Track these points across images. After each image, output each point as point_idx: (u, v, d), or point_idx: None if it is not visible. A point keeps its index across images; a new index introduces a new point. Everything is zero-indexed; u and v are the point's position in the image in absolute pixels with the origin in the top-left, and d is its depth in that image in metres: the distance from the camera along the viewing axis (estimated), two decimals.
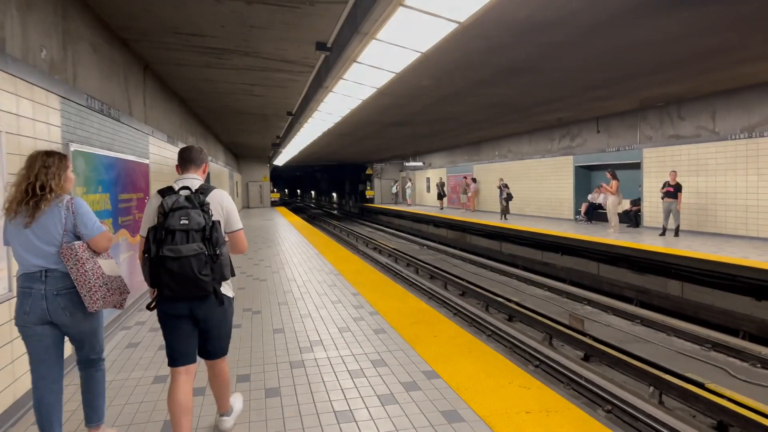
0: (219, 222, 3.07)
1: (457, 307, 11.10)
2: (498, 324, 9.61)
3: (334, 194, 68.55)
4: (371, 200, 41.87)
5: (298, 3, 5.80)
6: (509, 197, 19.87)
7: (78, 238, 3.16)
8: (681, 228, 13.15)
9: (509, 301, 10.85)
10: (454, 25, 5.42)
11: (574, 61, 8.71)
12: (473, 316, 10.27)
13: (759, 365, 7.55)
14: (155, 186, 8.49)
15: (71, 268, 3.06)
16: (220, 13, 6.22)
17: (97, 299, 3.11)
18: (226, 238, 3.20)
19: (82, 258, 3.08)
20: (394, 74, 8.12)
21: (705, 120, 13.27)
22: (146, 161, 8.00)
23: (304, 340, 5.36)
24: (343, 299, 7.16)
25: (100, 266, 3.16)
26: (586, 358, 8.09)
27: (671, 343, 8.81)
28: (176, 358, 3.12)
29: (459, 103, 12.75)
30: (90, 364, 3.35)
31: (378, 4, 4.95)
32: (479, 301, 11.68)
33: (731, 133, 12.49)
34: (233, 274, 3.22)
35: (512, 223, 18.02)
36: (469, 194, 25.46)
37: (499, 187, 20.12)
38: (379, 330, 5.59)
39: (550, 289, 12.96)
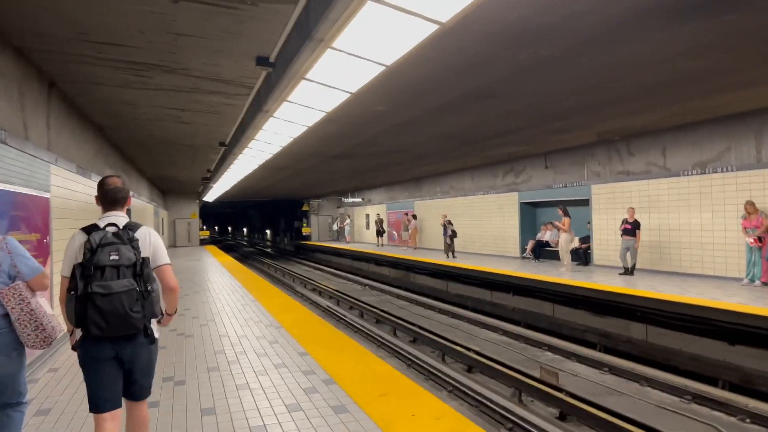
0: (148, 258, 3.07)
1: (418, 362, 10.02)
2: (457, 376, 8.62)
3: (268, 231, 66.48)
4: (308, 237, 40.45)
5: (237, 2, 4.75)
6: (454, 235, 19.16)
7: (11, 278, 3.22)
8: (636, 266, 12.70)
9: (468, 349, 9.90)
10: (433, 28, 4.50)
11: (548, 84, 7.96)
12: (430, 368, 9.22)
13: (749, 420, 6.88)
14: (59, 225, 7.06)
15: (13, 308, 3.14)
16: (138, 13, 5.08)
17: (45, 337, 3.24)
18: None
19: (26, 297, 3.19)
20: (349, 95, 7.11)
21: (655, 156, 13.04)
22: (46, 195, 6.61)
23: (242, 426, 4.13)
24: (289, 361, 5.92)
25: (41, 305, 3.27)
26: (562, 417, 7.19)
27: (647, 395, 8.07)
28: (100, 404, 3.01)
29: (411, 133, 11.89)
30: (10, 405, 3.30)
31: (339, 1, 3.98)
32: (433, 349, 10.66)
33: (683, 169, 12.25)
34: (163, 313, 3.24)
35: (458, 262, 17.25)
36: (410, 231, 24.70)
37: (443, 225, 19.40)
38: (339, 408, 4.41)
39: (505, 333, 12.14)
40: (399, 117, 10.07)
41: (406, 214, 25.76)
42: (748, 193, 10.69)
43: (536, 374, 8.25)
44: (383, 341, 11.35)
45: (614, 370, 9.06)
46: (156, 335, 3.16)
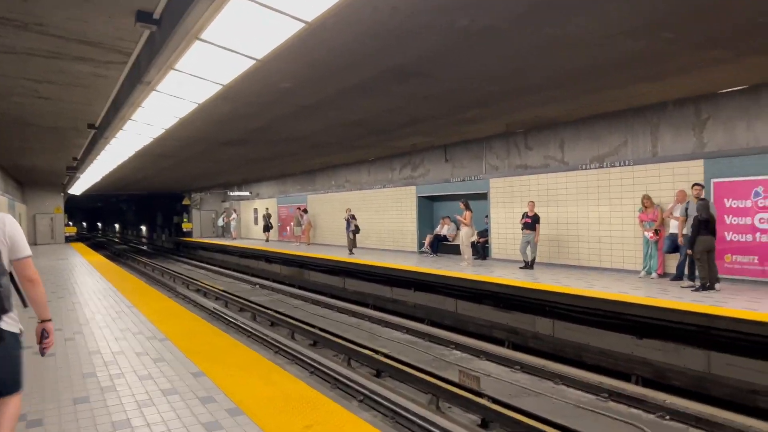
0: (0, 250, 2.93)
1: (322, 369, 9.12)
2: (366, 383, 7.87)
3: (143, 227, 62.03)
4: (189, 234, 37.89)
5: None
6: (357, 230, 18.40)
7: None
8: (536, 260, 12.66)
9: (376, 352, 9.18)
10: None
11: (482, 62, 7.29)
12: (336, 375, 8.38)
13: (668, 417, 6.74)
14: None
15: None
16: None
17: None
18: (9, 268, 3.01)
19: None
20: (254, 62, 6.02)
21: (553, 150, 13.09)
22: None
23: None
24: (181, 385, 4.78)
25: None
26: (484, 425, 6.67)
27: (564, 394, 7.79)
28: None
29: (316, 117, 10.86)
30: None
31: None
32: (337, 353, 9.84)
33: (581, 163, 12.36)
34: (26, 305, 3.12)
35: (356, 258, 16.53)
36: (303, 226, 23.65)
37: (347, 219, 18.59)
38: None
39: (409, 331, 11.59)
40: (306, 97, 9.05)
41: (299, 208, 24.66)
42: (645, 187, 10.89)
43: (453, 377, 7.70)
44: (281, 346, 10.34)
45: (526, 368, 8.76)
46: (16, 330, 3.05)
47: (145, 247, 46.41)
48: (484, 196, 15.10)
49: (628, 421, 6.75)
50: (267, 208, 28.20)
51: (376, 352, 9.22)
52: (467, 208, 13.54)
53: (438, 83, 8.41)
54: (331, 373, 8.52)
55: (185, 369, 5.29)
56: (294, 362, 9.55)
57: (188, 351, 6.04)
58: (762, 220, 9.18)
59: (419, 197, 17.73)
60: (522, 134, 13.75)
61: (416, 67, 7.48)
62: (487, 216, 15.09)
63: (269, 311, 13.46)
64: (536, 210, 12.47)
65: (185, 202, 37.52)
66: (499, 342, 10.45)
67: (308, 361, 9.26)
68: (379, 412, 7.19)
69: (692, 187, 9.27)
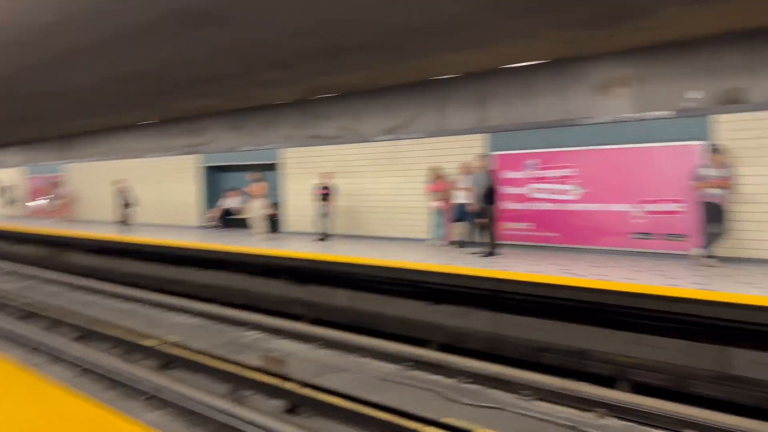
0: None
1: (97, 365, 7.70)
2: (151, 378, 6.84)
3: None
4: None
5: None
6: (131, 204, 16.29)
7: None
8: (332, 232, 12.43)
9: (162, 342, 8.09)
10: None
11: (288, 10, 6.54)
12: (113, 373, 7.15)
13: (466, 380, 6.96)
14: None
15: None
16: None
17: None
18: None
19: None
20: None
21: (348, 120, 12.92)
22: None
23: None
24: None
25: None
26: (291, 410, 6.17)
27: (367, 367, 7.67)
28: None
29: (85, 68, 8.97)
30: None
31: None
32: (113, 345, 8.48)
33: (375, 134, 12.37)
34: None
35: (131, 235, 14.66)
36: (60, 200, 20.48)
37: (118, 191, 16.32)
38: None
39: (197, 314, 10.57)
40: (71, 41, 7.36)
41: (54, 180, 21.24)
42: (434, 159, 11.25)
43: (252, 361, 7.07)
44: (40, 343, 8.60)
45: (328, 344, 8.47)
46: None
47: None
48: (275, 167, 14.42)
49: (429, 387, 6.83)
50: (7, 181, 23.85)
51: (163, 341, 8.13)
52: (259, 179, 12.75)
53: (235, 33, 7.46)
54: (108, 371, 7.27)
55: None
56: (56, 361, 7.99)
57: None
58: (535, 190, 10.05)
59: (204, 167, 16.35)
60: (317, 103, 13.32)
61: (208, 7, 6.46)
62: (278, 188, 14.46)
63: (17, 299, 11.23)
64: (332, 181, 12.20)
65: None
66: (297, 318, 10.01)
67: (77, 357, 7.81)
68: (169, 410, 6.26)
69: (479, 159, 9.73)
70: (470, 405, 6.30)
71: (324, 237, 12.15)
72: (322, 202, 12.02)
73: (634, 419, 5.67)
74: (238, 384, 6.63)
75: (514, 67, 10.10)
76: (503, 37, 8.07)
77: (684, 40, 8.40)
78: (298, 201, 13.83)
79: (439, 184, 10.89)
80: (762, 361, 5.92)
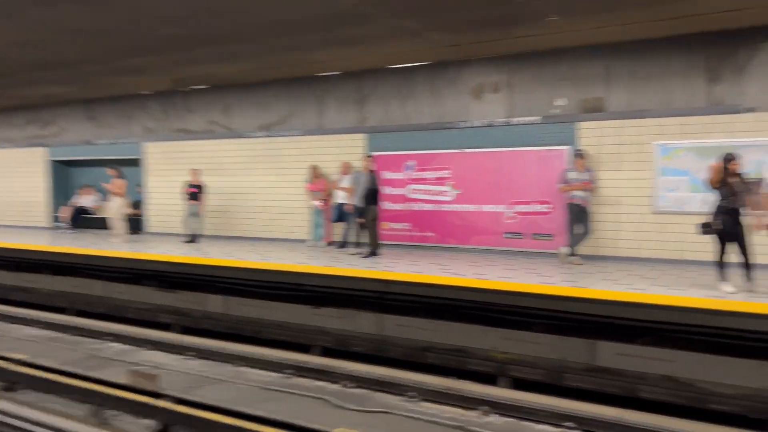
0: None
1: None
2: None
3: None
4: None
5: None
6: None
7: None
8: (202, 233, 11.71)
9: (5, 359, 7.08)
10: None
11: None
12: None
13: (352, 385, 6.81)
14: None
15: None
16: None
17: None
18: None
19: None
20: None
21: (218, 114, 12.27)
22: None
23: None
24: None
25: None
26: (165, 429, 5.64)
27: (246, 376, 7.24)
28: None
29: None
30: None
31: None
32: None
33: (248, 130, 11.85)
34: None
35: None
36: None
37: None
38: None
39: (48, 325, 9.43)
40: None
41: None
42: (312, 157, 11.00)
43: (116, 376, 6.39)
44: None
45: (202, 354, 7.91)
46: None
47: None
48: (137, 162, 13.33)
49: (314, 395, 6.60)
50: None
51: (4, 358, 7.12)
52: (119, 175, 11.70)
53: (96, 13, 6.69)
54: None
55: None
56: None
57: None
58: (413, 191, 10.18)
59: (53, 161, 14.72)
60: (183, 95, 12.50)
61: None
62: (139, 185, 13.39)
63: None
64: (201, 179, 11.48)
65: None
66: (166, 327, 9.28)
67: None
68: None
69: (363, 159, 9.62)
70: (357, 411, 6.16)
71: (193, 238, 11.42)
72: (191, 201, 11.27)
73: (516, 415, 5.85)
74: (100, 403, 5.94)
75: (394, 68, 10.15)
76: (386, 36, 8.06)
77: (550, 50, 8.91)
78: (164, 200, 12.90)
79: (319, 183, 10.68)
80: (625, 352, 6.39)
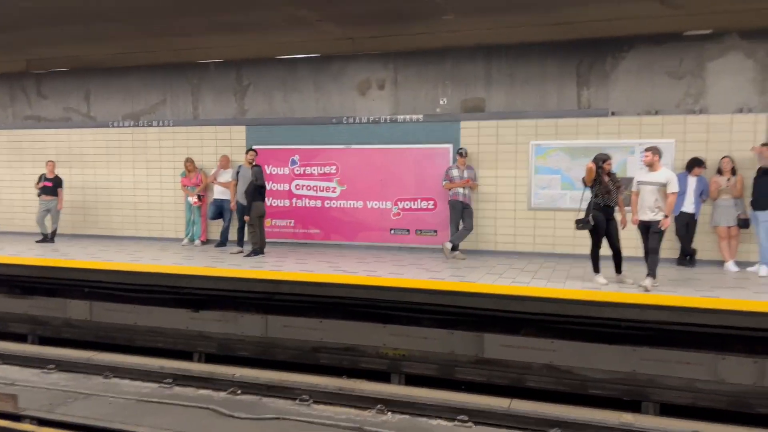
0: None
1: None
2: None
3: None
4: None
5: None
6: None
7: None
8: (59, 231, 10.53)
9: None
10: None
11: None
12: None
13: (240, 391, 6.45)
14: None
15: None
16: None
17: None
18: None
19: None
20: None
21: (77, 102, 11.12)
22: None
23: None
24: None
25: None
26: None
27: (119, 388, 6.59)
28: None
29: None
30: None
31: None
32: None
33: (112, 119, 10.86)
34: None
35: None
36: None
37: None
38: None
39: None
40: None
41: None
42: (187, 150, 10.33)
43: None
44: None
45: (64, 366, 7.09)
46: None
47: None
48: None
49: (199, 405, 6.16)
50: None
51: None
52: None
53: None
54: None
55: None
56: None
57: None
58: (297, 186, 9.90)
59: None
60: (36, 78, 11.15)
61: None
62: None
63: None
64: (57, 172, 10.32)
65: None
66: (21, 338, 8.23)
67: None
68: None
69: (247, 153, 9.15)
70: (248, 419, 5.84)
71: (48, 237, 10.26)
72: (45, 197, 10.10)
73: (411, 411, 5.87)
74: None
75: (278, 59, 9.79)
76: (277, 24, 7.73)
77: (436, 49, 9.07)
78: (12, 195, 11.48)
79: (195, 177, 10.05)
80: (510, 344, 6.66)
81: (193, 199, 9.97)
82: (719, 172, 7.75)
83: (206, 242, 10.24)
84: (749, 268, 7.57)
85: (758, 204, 7.33)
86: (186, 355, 7.51)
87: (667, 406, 5.86)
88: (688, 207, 7.83)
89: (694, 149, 7.90)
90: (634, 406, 5.91)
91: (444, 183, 8.71)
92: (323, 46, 9.08)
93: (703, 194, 7.84)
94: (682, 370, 5.87)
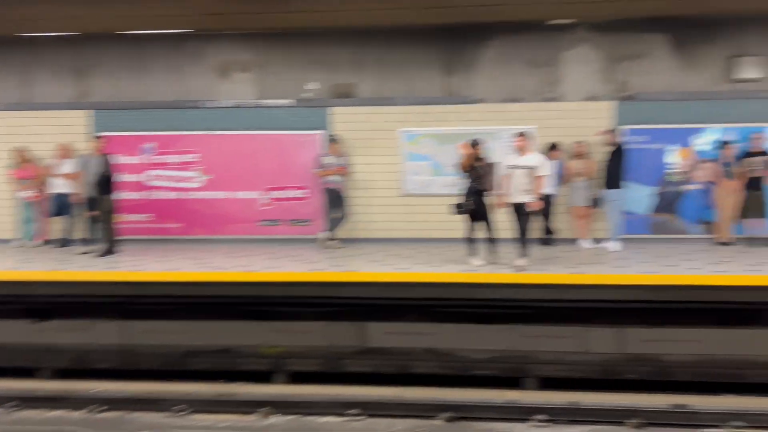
0: None
1: None
2: None
3: None
4: None
5: None
6: None
7: None
8: None
9: None
10: None
11: None
12: None
13: (101, 408, 5.71)
14: None
15: None
16: None
17: None
18: None
19: None
20: None
21: None
22: None
23: None
24: None
25: None
26: None
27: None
28: None
29: None
30: None
31: None
32: None
33: None
34: None
35: None
36: None
37: None
38: None
39: None
40: None
41: None
42: (18, 138, 8.99)
43: None
44: None
45: None
46: None
47: None
48: None
49: (51, 428, 5.37)
50: None
51: None
52: None
53: None
54: None
55: None
56: None
57: None
58: (153, 177, 9.06)
59: None
60: None
61: None
62: None
63: None
64: None
65: None
66: None
67: None
68: None
69: (92, 141, 8.10)
70: None
71: None
72: None
73: (299, 411, 5.58)
74: None
75: (124, 36, 8.82)
76: None
77: (301, 31, 8.72)
78: None
79: (29, 169, 8.80)
80: (392, 331, 6.60)
81: (26, 195, 8.72)
82: (574, 155, 8.32)
83: (47, 242, 9.02)
84: (600, 244, 8.23)
85: (608, 183, 7.99)
86: (29, 373, 6.52)
87: (548, 379, 6.12)
88: (548, 189, 8.31)
89: (553, 134, 8.37)
90: (516, 384, 6.11)
91: (316, 171, 8.43)
92: (181, 22, 8.32)
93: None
94: (556, 344, 6.19)
